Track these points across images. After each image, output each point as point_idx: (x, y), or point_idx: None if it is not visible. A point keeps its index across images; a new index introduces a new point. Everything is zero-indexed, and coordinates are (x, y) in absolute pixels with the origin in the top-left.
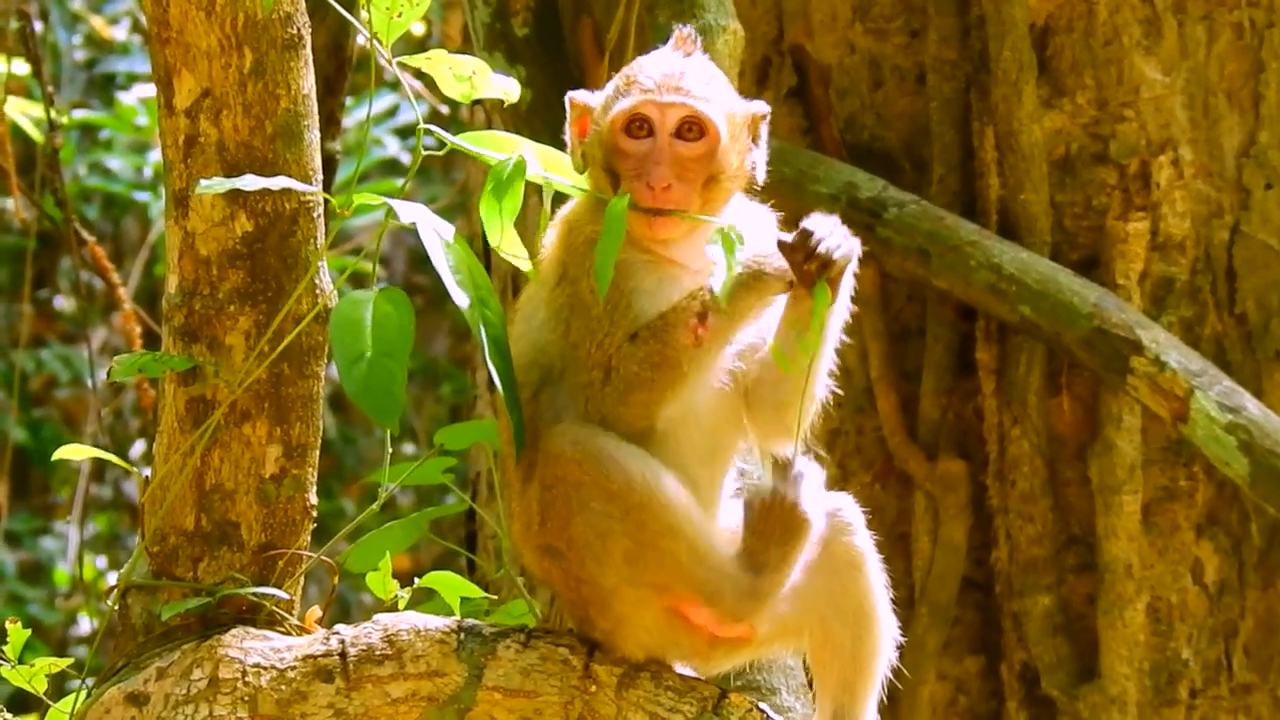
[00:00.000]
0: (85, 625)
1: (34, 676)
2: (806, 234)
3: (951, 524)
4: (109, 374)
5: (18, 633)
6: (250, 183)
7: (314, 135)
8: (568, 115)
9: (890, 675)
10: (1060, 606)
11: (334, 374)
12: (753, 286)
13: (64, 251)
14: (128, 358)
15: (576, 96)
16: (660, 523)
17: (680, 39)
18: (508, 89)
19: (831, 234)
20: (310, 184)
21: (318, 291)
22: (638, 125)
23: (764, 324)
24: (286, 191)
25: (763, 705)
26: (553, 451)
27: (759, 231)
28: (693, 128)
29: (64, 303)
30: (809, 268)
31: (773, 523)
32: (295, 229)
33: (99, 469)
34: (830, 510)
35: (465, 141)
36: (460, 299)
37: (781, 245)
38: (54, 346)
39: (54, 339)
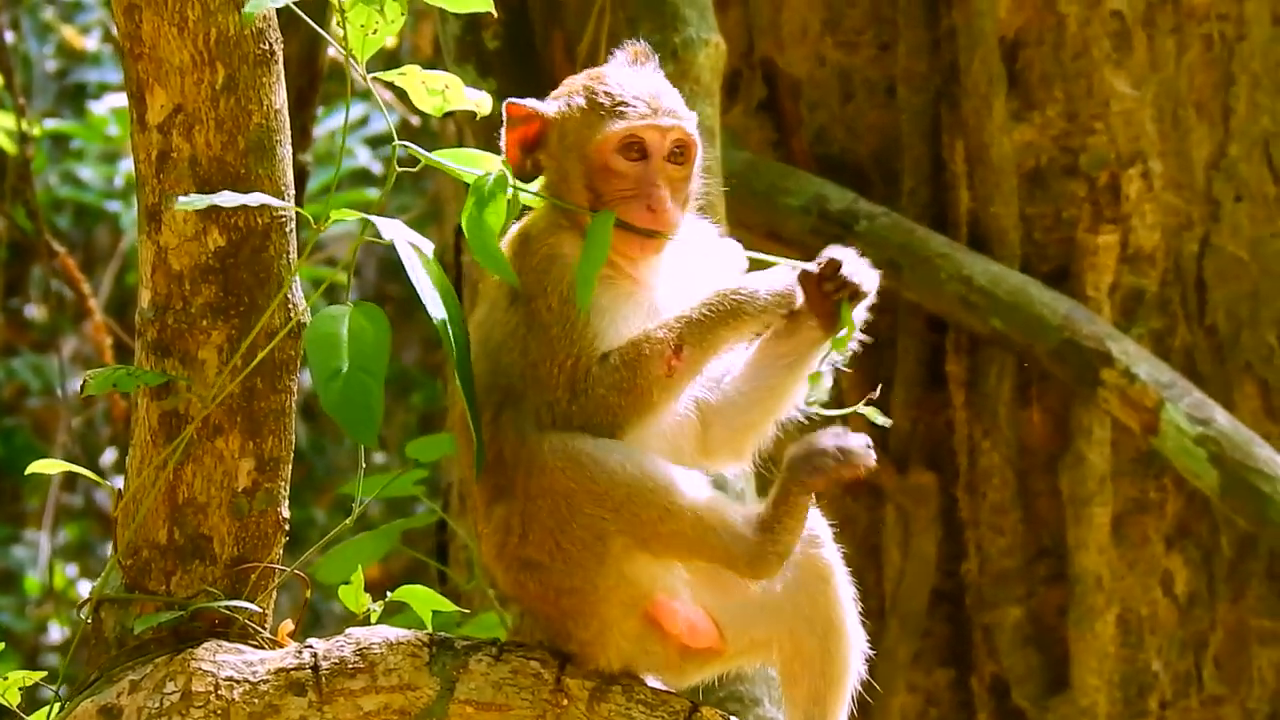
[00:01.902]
0: (56, 633)
1: (7, 689)
2: (835, 263)
3: (922, 536)
4: (83, 388)
5: (15, 674)
6: (227, 199)
7: (286, 150)
8: (505, 120)
9: (860, 687)
10: (1031, 618)
11: (305, 382)
12: (732, 324)
13: (35, 261)
14: (101, 372)
15: (520, 103)
16: (654, 508)
17: (638, 53)
18: (480, 102)
19: (857, 264)
20: (283, 199)
21: (291, 306)
22: (634, 148)
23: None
24: (260, 206)
25: (733, 719)
26: (536, 464)
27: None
28: (683, 150)
29: (35, 312)
30: (838, 296)
31: (824, 461)
32: (268, 244)
33: (70, 478)
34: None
35: (440, 157)
36: (438, 313)
37: (806, 275)
38: (25, 355)
39: (25, 348)
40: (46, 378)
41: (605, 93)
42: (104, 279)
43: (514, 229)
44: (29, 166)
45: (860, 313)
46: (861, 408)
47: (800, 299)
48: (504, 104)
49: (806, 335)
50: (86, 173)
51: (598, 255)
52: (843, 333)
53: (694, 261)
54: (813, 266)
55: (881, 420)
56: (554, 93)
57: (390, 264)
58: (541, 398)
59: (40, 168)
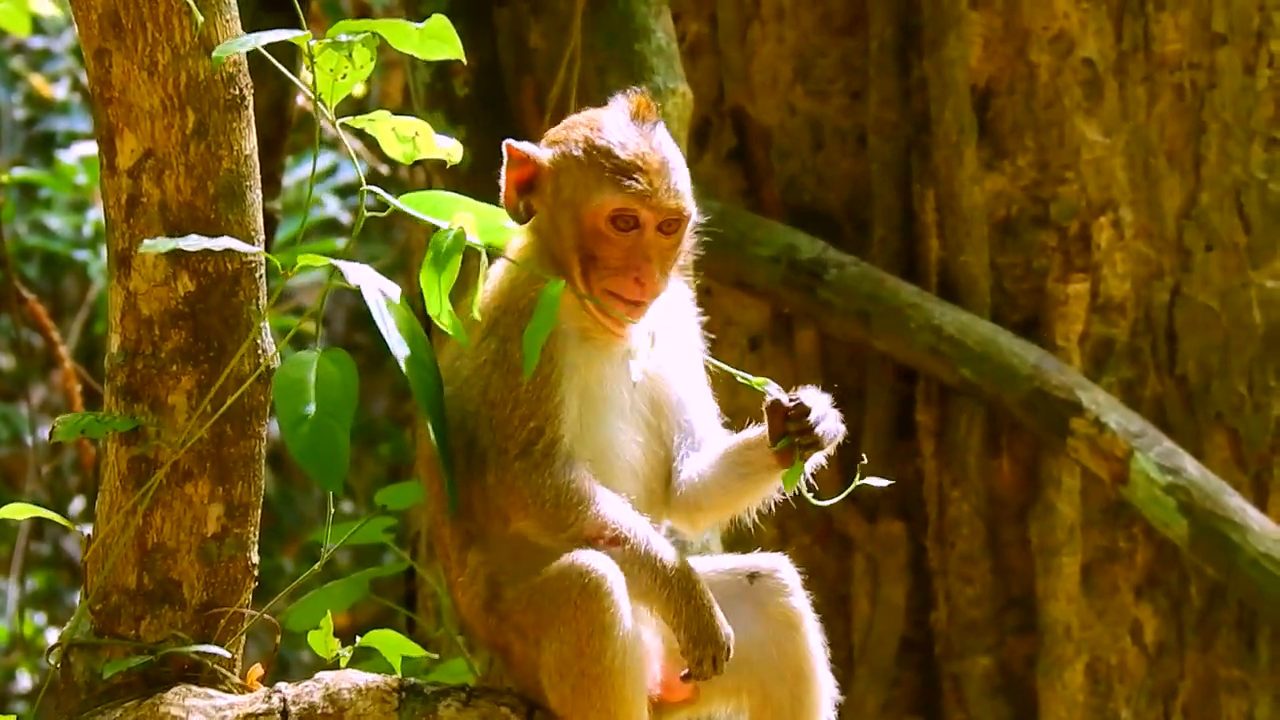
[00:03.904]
0: (25, 681)
1: None
2: (805, 409)
3: (891, 585)
4: (51, 434)
5: None
6: (193, 243)
7: (256, 195)
8: (505, 162)
9: None
10: (1000, 667)
11: (274, 431)
12: (660, 593)
13: (3, 309)
14: (70, 418)
15: (518, 146)
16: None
17: (642, 107)
18: (450, 150)
19: (826, 416)
20: (253, 244)
21: (260, 352)
22: (626, 220)
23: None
24: (229, 252)
25: None
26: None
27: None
28: (675, 223)
29: (3, 361)
30: (798, 440)
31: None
32: (238, 289)
33: (38, 526)
34: (767, 571)
35: (406, 204)
36: (401, 351)
37: (774, 406)
38: None
39: None
40: (15, 426)
41: (606, 152)
42: (72, 328)
43: (500, 267)
44: None
45: (818, 459)
46: (859, 481)
47: (722, 661)
48: (504, 144)
49: (765, 459)
50: (55, 222)
51: (546, 323)
52: (792, 471)
53: (667, 318)
54: (785, 400)
55: (881, 483)
56: (553, 133)
57: (359, 314)
58: (492, 441)
59: (9, 217)
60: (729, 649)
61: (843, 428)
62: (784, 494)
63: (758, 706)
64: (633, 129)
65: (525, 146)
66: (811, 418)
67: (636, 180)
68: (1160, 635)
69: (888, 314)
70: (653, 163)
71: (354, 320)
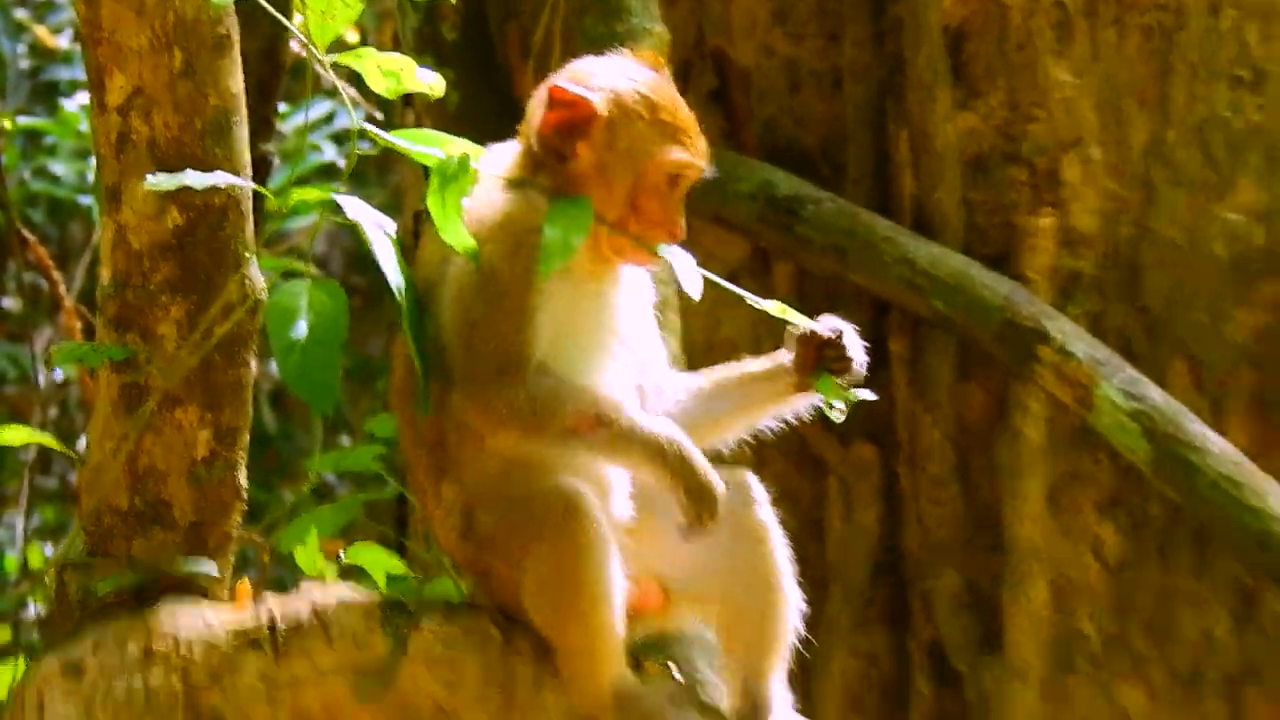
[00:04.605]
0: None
1: None
2: (840, 334)
3: (863, 507)
4: (47, 362)
5: None
6: (194, 179)
7: (243, 132)
8: (547, 100)
9: (803, 650)
10: (968, 585)
11: (274, 370)
12: (650, 461)
13: (9, 255)
14: (66, 346)
15: (570, 89)
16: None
17: (656, 60)
18: (433, 84)
19: (856, 344)
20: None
21: (248, 283)
22: (677, 178)
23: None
24: (215, 186)
25: (671, 665)
26: (474, 459)
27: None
28: (697, 178)
29: (11, 303)
30: (835, 367)
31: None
32: (225, 222)
33: (45, 462)
34: (736, 484)
35: (398, 139)
36: (394, 279)
37: (810, 337)
38: (1, 345)
39: (1, 338)
40: (23, 366)
41: (669, 111)
42: (77, 271)
43: (497, 205)
44: (1, 163)
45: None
46: (857, 394)
47: (717, 511)
48: (549, 87)
49: (781, 387)
50: (59, 168)
51: (573, 237)
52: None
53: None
54: (820, 329)
55: (869, 395)
56: (586, 78)
57: (356, 257)
58: (469, 362)
59: (13, 164)
60: (720, 499)
61: (866, 359)
62: (780, 422)
63: (725, 616)
64: (671, 88)
65: (581, 90)
66: (847, 341)
67: (695, 140)
68: (1121, 553)
69: (862, 249)
70: (695, 124)
71: (351, 263)
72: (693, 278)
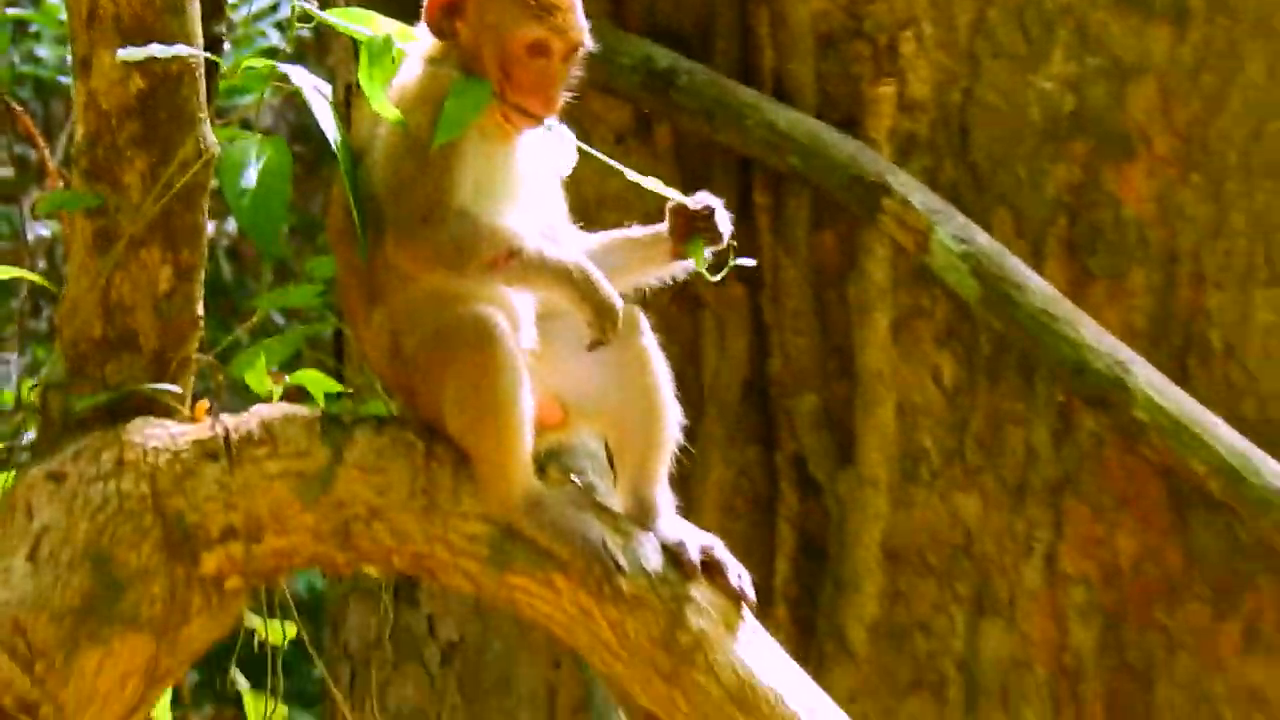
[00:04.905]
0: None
1: None
2: (710, 209)
3: (734, 338)
4: (33, 210)
5: None
6: (158, 50)
7: (195, 9)
8: None
9: (683, 459)
10: (824, 405)
11: (231, 227)
12: (560, 283)
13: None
14: (48, 195)
15: None
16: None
17: None
18: None
19: (723, 216)
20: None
21: (201, 141)
22: (540, 49)
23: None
24: (173, 57)
25: (575, 477)
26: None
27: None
28: (574, 52)
29: (2, 171)
30: (704, 237)
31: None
32: (181, 87)
33: (36, 307)
34: (627, 315)
35: (332, 17)
36: (331, 134)
37: (680, 209)
38: None
39: None
40: (14, 225)
41: None
42: (59, 141)
43: (417, 81)
44: None
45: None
46: (734, 262)
47: (618, 323)
48: None
49: (660, 252)
50: (43, 51)
51: (471, 110)
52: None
53: (551, 135)
54: (691, 203)
55: (749, 263)
56: None
57: (299, 129)
58: (397, 213)
59: (3, 48)
60: (620, 314)
61: (730, 228)
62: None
63: (616, 430)
64: None
65: None
66: (716, 218)
67: (551, 15)
68: (956, 378)
69: (729, 113)
70: (565, 3)
71: (294, 135)
72: (569, 150)
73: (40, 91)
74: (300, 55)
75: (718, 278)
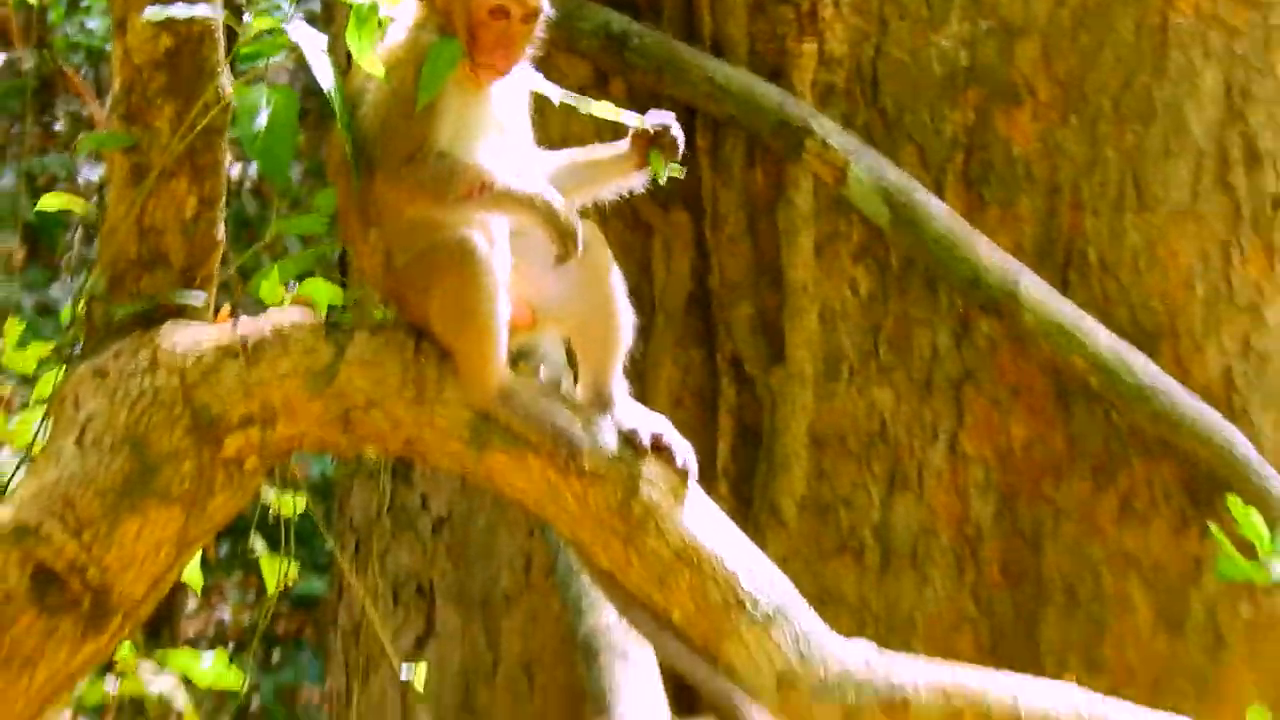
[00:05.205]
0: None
1: (27, 360)
2: (666, 126)
3: (679, 257)
4: (76, 148)
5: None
6: (179, 10)
7: None
8: None
9: (636, 357)
10: (758, 314)
11: (253, 172)
12: (526, 208)
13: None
14: (90, 136)
15: None
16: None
17: None
18: None
19: (677, 130)
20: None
21: (220, 89)
22: (499, 13)
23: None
24: (194, 18)
25: (540, 368)
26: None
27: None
28: (532, 16)
29: (60, 125)
30: (665, 149)
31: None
32: (203, 45)
33: (89, 235)
34: (588, 232)
35: None
36: (326, 82)
37: (641, 133)
38: (53, 154)
39: (54, 149)
40: (70, 170)
41: None
42: (106, 99)
43: (403, 42)
44: (46, 19)
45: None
46: (667, 170)
47: (580, 241)
48: None
49: (622, 166)
50: (93, 23)
51: (445, 67)
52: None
53: (521, 85)
54: (647, 124)
55: (678, 173)
56: None
57: (308, 89)
58: (384, 156)
59: (59, 19)
60: (580, 236)
61: (682, 138)
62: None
63: (577, 331)
64: None
65: None
66: (672, 131)
67: None
68: (871, 289)
69: (675, 69)
70: None
71: (306, 92)
72: (549, 90)
73: (91, 58)
74: (310, 22)
75: (664, 180)
